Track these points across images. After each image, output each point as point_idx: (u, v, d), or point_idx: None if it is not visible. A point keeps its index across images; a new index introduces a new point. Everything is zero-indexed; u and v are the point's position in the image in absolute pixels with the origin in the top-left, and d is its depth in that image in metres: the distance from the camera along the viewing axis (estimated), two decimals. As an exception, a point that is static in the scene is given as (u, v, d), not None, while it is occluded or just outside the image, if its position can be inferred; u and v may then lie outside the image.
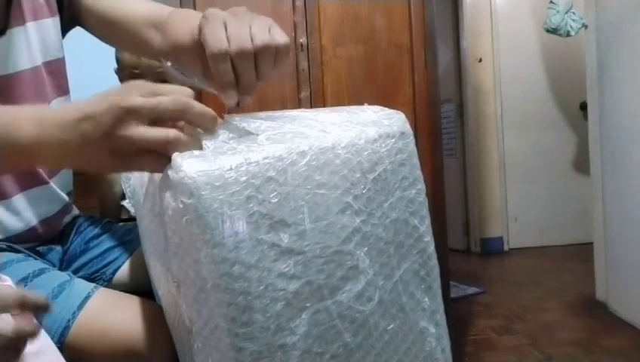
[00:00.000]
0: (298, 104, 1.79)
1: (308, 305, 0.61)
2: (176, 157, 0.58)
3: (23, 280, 0.76)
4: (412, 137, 0.74)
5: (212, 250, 0.57)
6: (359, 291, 0.65)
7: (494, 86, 4.12)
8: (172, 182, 0.57)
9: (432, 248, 0.75)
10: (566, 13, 2.97)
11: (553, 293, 2.93)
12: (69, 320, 0.75)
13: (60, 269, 0.91)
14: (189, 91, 0.58)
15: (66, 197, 0.95)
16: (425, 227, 0.75)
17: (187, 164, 0.57)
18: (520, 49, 4.07)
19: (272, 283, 0.59)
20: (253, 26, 0.62)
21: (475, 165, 4.13)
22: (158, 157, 0.57)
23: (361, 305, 0.65)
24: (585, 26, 2.77)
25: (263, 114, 0.70)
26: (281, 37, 0.63)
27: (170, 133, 0.56)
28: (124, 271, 0.93)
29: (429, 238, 0.75)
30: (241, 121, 0.66)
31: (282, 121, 0.68)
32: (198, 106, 0.57)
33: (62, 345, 0.73)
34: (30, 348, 0.65)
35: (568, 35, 3.02)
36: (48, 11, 0.91)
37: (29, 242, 0.89)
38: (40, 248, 0.90)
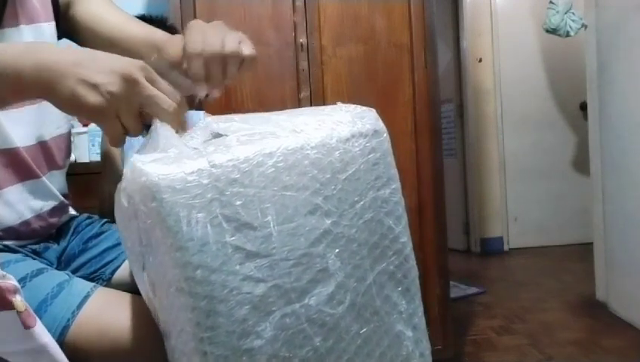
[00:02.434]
0: (298, 104, 1.79)
1: (274, 308, 0.60)
2: (138, 161, 0.57)
3: (22, 281, 0.76)
4: (386, 135, 0.72)
5: (175, 253, 0.57)
6: (329, 294, 0.64)
7: (494, 86, 4.12)
8: (137, 185, 0.57)
9: (409, 249, 0.73)
10: (565, 13, 2.97)
11: (553, 293, 2.93)
12: (68, 320, 0.75)
13: (58, 269, 0.91)
14: (179, 97, 0.63)
15: (61, 196, 0.96)
16: (401, 227, 0.72)
17: (149, 168, 0.57)
18: (520, 49, 4.07)
19: (237, 287, 0.58)
20: (226, 37, 0.73)
21: (475, 165, 4.13)
22: (130, 127, 0.61)
23: (331, 309, 0.64)
24: (584, 26, 2.77)
25: (238, 116, 0.70)
26: (247, 49, 0.75)
27: (170, 102, 0.62)
28: (123, 271, 0.93)
29: (405, 239, 0.72)
30: (213, 123, 0.66)
31: (255, 122, 0.67)
32: (180, 116, 0.64)
33: (61, 344, 0.73)
34: (33, 346, 0.65)
35: (568, 35, 3.02)
36: (44, 16, 0.92)
37: (26, 239, 0.89)
38: (36, 246, 0.90)
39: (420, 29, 1.85)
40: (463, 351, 2.18)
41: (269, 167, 0.61)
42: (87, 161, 1.86)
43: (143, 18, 1.56)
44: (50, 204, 0.92)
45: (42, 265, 0.84)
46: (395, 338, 0.70)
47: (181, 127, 0.64)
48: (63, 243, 0.96)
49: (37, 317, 0.69)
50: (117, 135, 0.61)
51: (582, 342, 2.22)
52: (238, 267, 0.59)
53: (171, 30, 1.52)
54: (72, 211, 1.03)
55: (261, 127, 0.66)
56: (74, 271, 0.92)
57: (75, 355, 0.73)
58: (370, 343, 0.68)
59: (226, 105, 1.76)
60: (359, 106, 0.73)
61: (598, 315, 2.54)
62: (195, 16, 1.75)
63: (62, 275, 0.82)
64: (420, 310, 0.74)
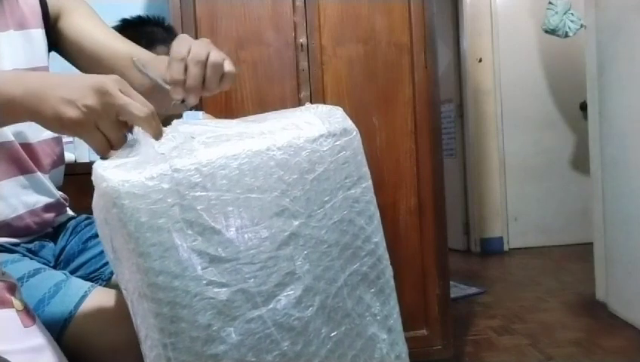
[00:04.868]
0: (298, 104, 1.79)
1: (239, 313, 0.59)
2: (99, 167, 0.57)
3: (19, 281, 0.77)
4: (355, 133, 0.70)
5: (137, 259, 0.56)
6: (297, 297, 0.63)
7: (494, 86, 4.12)
8: (100, 191, 0.57)
9: (382, 249, 0.72)
10: (564, 13, 2.97)
11: (553, 293, 2.92)
12: (66, 319, 0.76)
13: (57, 268, 0.91)
14: (152, 107, 0.65)
15: (56, 193, 0.96)
16: (373, 227, 0.71)
17: (110, 174, 0.57)
18: (520, 49, 4.07)
19: (200, 292, 0.57)
20: (211, 52, 0.75)
21: (475, 165, 4.13)
22: (111, 136, 0.63)
23: (299, 312, 0.63)
24: (583, 27, 2.77)
25: (211, 120, 0.69)
26: (229, 66, 0.77)
27: (144, 110, 0.63)
28: (115, 275, 0.93)
29: (378, 239, 0.71)
30: (181, 126, 0.65)
31: (224, 125, 0.67)
32: (154, 121, 0.65)
33: (60, 343, 0.73)
34: (31, 344, 0.65)
35: (567, 35, 3.02)
36: (33, 23, 0.94)
37: (21, 236, 0.89)
38: (31, 245, 0.90)
39: (420, 29, 1.85)
40: (463, 351, 2.18)
41: (233, 169, 0.61)
42: (87, 161, 1.86)
43: (140, 19, 1.57)
44: (44, 200, 0.92)
45: (39, 265, 0.84)
46: (369, 341, 0.69)
47: (157, 132, 0.64)
48: (61, 243, 0.96)
49: (36, 316, 0.69)
50: (100, 145, 0.64)
51: (581, 341, 2.22)
52: (201, 272, 0.58)
53: (169, 31, 1.51)
54: (70, 212, 1.03)
55: (228, 130, 0.65)
56: (73, 271, 0.92)
57: (73, 354, 0.73)
58: (342, 346, 0.66)
59: (226, 105, 1.76)
60: (327, 106, 0.72)
61: (598, 315, 2.54)
62: (195, 17, 1.75)
63: (59, 275, 0.82)
64: (396, 311, 0.73)
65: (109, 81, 0.63)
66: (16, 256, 0.85)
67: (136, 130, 0.64)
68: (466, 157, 4.16)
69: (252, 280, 0.60)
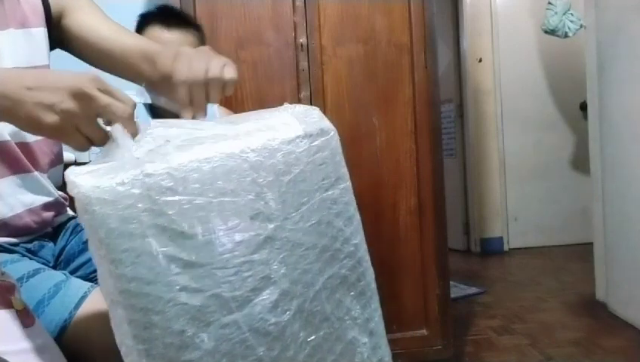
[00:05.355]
0: (298, 103, 1.79)
1: (214, 319, 0.58)
2: (71, 173, 0.57)
3: (19, 281, 0.77)
4: (333, 133, 0.69)
5: (109, 265, 0.56)
6: (273, 302, 0.62)
7: (494, 86, 4.12)
8: (74, 197, 0.57)
9: (362, 251, 0.70)
10: (564, 14, 2.97)
11: (553, 293, 2.92)
12: (66, 319, 0.76)
13: (57, 268, 0.91)
14: (133, 102, 0.66)
15: (55, 193, 0.96)
16: (352, 229, 0.69)
17: (81, 180, 0.56)
18: (520, 49, 4.07)
19: (173, 298, 0.57)
20: (211, 63, 0.77)
21: (475, 165, 4.12)
22: (92, 136, 0.63)
23: (275, 317, 0.62)
24: (583, 27, 2.77)
25: (188, 122, 0.69)
26: (228, 73, 0.79)
27: (125, 108, 0.63)
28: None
29: (357, 240, 0.70)
30: (157, 129, 0.64)
31: (201, 127, 0.66)
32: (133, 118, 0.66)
33: (60, 343, 0.73)
34: (31, 345, 0.65)
35: (566, 36, 3.02)
36: (34, 22, 0.93)
37: (20, 236, 0.89)
38: (31, 245, 0.90)
39: (420, 29, 1.85)
40: (463, 351, 2.18)
41: (205, 172, 0.60)
42: (87, 161, 1.86)
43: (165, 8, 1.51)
44: (42, 199, 0.92)
45: (39, 266, 0.84)
46: (349, 345, 0.68)
47: (135, 131, 0.64)
48: (61, 243, 0.96)
49: (35, 316, 0.69)
50: (81, 146, 0.64)
51: (581, 341, 2.22)
52: (174, 277, 0.57)
53: (198, 28, 1.46)
54: (70, 212, 1.03)
55: (204, 132, 0.64)
56: (73, 271, 0.92)
57: (73, 354, 0.73)
58: (321, 351, 0.65)
59: (226, 105, 1.76)
60: (304, 106, 0.71)
61: (598, 315, 2.54)
62: (195, 17, 1.75)
63: (59, 275, 0.82)
64: (378, 314, 0.71)
65: (87, 82, 0.61)
66: (15, 256, 0.85)
67: (116, 127, 0.63)
68: (466, 157, 4.16)
69: (226, 285, 0.59)
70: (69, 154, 1.85)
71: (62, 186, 1.01)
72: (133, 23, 1.58)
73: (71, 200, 1.03)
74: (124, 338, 0.58)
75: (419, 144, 1.86)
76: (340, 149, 0.70)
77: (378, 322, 0.71)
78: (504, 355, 2.13)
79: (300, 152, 0.66)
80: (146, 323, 0.56)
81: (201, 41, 1.28)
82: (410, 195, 1.86)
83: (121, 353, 0.59)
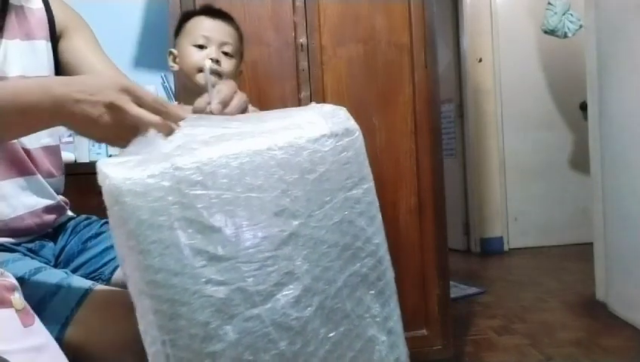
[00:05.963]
0: (298, 104, 1.79)
1: (238, 312, 0.59)
2: (102, 164, 0.58)
3: (20, 279, 0.77)
4: (358, 133, 0.70)
5: (137, 256, 0.56)
6: (296, 297, 0.62)
7: (494, 86, 4.12)
8: (104, 188, 0.58)
9: (383, 250, 0.71)
10: (563, 14, 2.97)
11: (553, 293, 2.92)
12: (67, 317, 0.76)
13: (56, 267, 0.91)
14: (164, 106, 0.68)
15: (57, 196, 0.96)
16: (374, 228, 0.70)
17: (112, 171, 0.57)
18: (520, 49, 4.07)
19: (199, 290, 0.58)
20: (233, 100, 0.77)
21: (475, 165, 4.13)
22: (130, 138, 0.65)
23: (297, 312, 0.62)
24: (582, 27, 2.77)
25: (216, 118, 0.69)
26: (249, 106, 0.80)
27: (155, 117, 0.66)
28: (122, 271, 0.93)
29: (379, 240, 0.71)
30: (185, 126, 0.66)
31: (227, 124, 0.67)
32: (172, 110, 0.68)
33: (61, 341, 0.73)
34: (31, 344, 0.65)
35: (565, 36, 3.02)
36: (38, 34, 0.96)
37: (22, 236, 0.89)
38: (32, 245, 0.91)
39: (420, 29, 1.85)
40: (463, 351, 2.18)
41: (234, 168, 0.60)
42: (87, 161, 1.86)
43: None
44: (44, 202, 0.93)
45: (40, 264, 0.84)
46: (368, 343, 0.69)
47: (170, 130, 0.66)
48: (61, 243, 0.97)
49: (35, 316, 0.69)
50: (125, 146, 0.67)
51: (581, 341, 2.22)
52: (200, 270, 0.58)
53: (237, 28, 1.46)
54: (69, 212, 1.03)
55: (230, 129, 0.65)
56: (73, 271, 0.92)
57: (75, 353, 0.73)
58: (341, 347, 0.66)
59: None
60: (331, 105, 0.72)
61: (598, 315, 2.54)
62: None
63: (60, 273, 0.82)
64: (396, 313, 0.72)
65: (117, 95, 0.65)
66: (16, 255, 0.85)
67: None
68: (466, 157, 4.16)
69: (250, 279, 0.60)
70: (68, 154, 1.85)
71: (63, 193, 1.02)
72: (133, 23, 1.59)
73: (71, 200, 1.04)
74: (149, 328, 0.58)
75: (419, 144, 1.86)
76: (363, 149, 0.71)
77: (397, 321, 0.72)
78: (504, 355, 2.13)
79: (326, 151, 0.66)
80: (171, 314, 0.57)
81: (240, 39, 1.30)
82: (410, 195, 1.86)
83: (145, 343, 0.60)
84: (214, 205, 0.59)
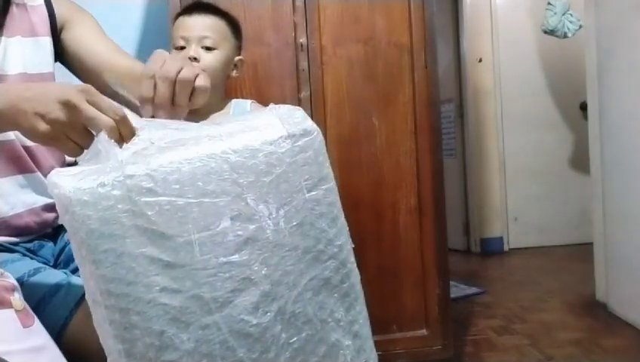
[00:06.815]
0: (298, 104, 1.79)
1: (193, 320, 0.58)
2: (53, 174, 0.57)
3: (19, 280, 0.77)
4: (317, 133, 0.68)
5: (90, 266, 0.56)
6: (254, 303, 0.61)
7: (494, 86, 4.12)
8: (55, 198, 0.57)
9: (346, 252, 0.69)
10: (563, 14, 2.97)
11: (553, 293, 2.92)
12: (66, 318, 0.76)
13: (56, 268, 0.91)
14: (122, 113, 0.67)
15: None
16: (336, 230, 0.68)
17: (62, 181, 0.56)
18: (520, 49, 4.07)
19: (153, 299, 0.57)
20: (184, 67, 0.75)
21: (475, 165, 4.12)
22: (81, 143, 0.66)
23: (256, 318, 0.61)
24: (582, 28, 2.77)
25: (174, 123, 0.68)
26: (201, 80, 0.76)
27: (109, 119, 0.65)
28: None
29: (341, 241, 0.69)
30: (143, 131, 0.65)
31: (185, 128, 0.66)
32: (127, 120, 0.67)
33: (60, 342, 0.73)
34: (31, 344, 0.65)
35: (565, 36, 3.02)
36: (41, 31, 0.96)
37: (21, 235, 0.89)
38: (31, 245, 0.91)
39: (420, 29, 1.85)
40: (463, 351, 2.18)
41: (185, 173, 0.60)
42: (87, 160, 1.86)
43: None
44: (43, 200, 0.93)
45: (39, 265, 0.84)
46: (332, 348, 0.67)
47: (124, 137, 0.65)
48: (61, 243, 0.97)
49: (35, 316, 0.69)
50: (72, 151, 0.67)
51: (581, 341, 2.22)
52: (154, 278, 0.57)
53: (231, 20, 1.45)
54: None
55: (187, 133, 0.64)
56: (73, 272, 0.92)
57: (74, 354, 0.73)
58: (303, 353, 0.65)
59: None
60: (288, 106, 0.71)
61: (598, 315, 2.54)
62: (194, 16, 1.75)
63: (59, 274, 0.82)
64: (363, 316, 0.71)
65: (74, 93, 0.64)
66: (16, 255, 0.85)
67: (100, 135, 0.64)
68: (466, 157, 4.16)
69: (206, 285, 0.59)
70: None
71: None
72: (133, 23, 1.58)
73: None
74: (105, 337, 0.58)
75: (419, 144, 1.86)
76: (324, 150, 0.69)
77: (363, 324, 0.71)
78: (504, 355, 2.13)
79: (282, 153, 0.65)
80: (126, 324, 0.56)
81: (228, 26, 1.28)
82: (410, 195, 1.86)
83: (106, 352, 0.59)
84: (166, 212, 0.58)
